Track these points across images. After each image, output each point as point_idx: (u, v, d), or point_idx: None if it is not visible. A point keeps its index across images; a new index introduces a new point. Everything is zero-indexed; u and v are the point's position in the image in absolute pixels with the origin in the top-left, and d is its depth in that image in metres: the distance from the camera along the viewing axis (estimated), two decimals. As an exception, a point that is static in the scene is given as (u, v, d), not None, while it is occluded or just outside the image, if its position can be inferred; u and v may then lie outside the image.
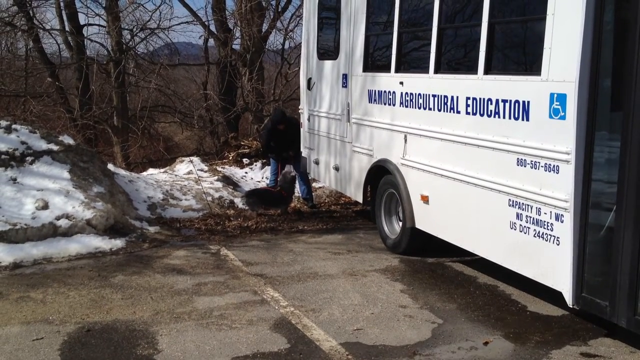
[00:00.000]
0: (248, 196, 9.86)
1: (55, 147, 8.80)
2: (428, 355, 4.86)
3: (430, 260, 7.29)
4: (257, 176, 12.19)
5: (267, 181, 11.41)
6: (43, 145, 8.76)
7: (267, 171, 11.99)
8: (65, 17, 18.80)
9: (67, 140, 9.22)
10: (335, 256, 7.54)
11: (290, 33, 18.25)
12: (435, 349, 4.98)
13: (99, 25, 19.48)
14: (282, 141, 10.17)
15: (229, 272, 6.91)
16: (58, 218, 7.70)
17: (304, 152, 10.06)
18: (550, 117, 5.06)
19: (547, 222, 5.19)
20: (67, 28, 18.92)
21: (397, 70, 7.33)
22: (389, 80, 7.42)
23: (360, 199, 8.40)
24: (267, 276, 6.77)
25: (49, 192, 8.01)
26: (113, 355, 4.87)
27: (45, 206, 7.79)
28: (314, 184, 11.13)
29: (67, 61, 19.62)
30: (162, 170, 12.37)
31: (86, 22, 19.73)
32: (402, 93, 7.17)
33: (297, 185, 10.20)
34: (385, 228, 7.88)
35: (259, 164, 12.63)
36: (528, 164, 5.34)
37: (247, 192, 10.13)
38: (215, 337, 5.18)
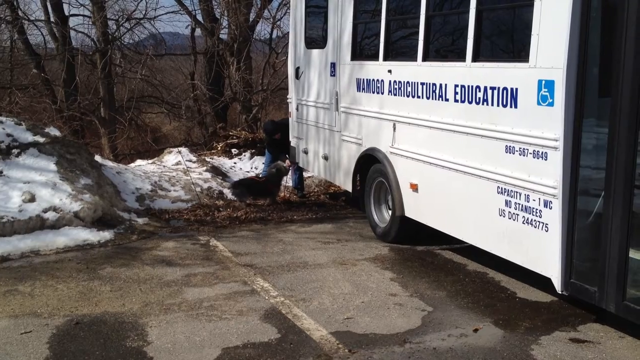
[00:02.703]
0: (234, 187, 9.83)
1: (41, 139, 8.72)
2: (418, 343, 4.87)
3: (420, 249, 7.30)
4: (246, 166, 12.15)
5: (257, 171, 11.38)
6: (29, 137, 8.68)
7: (256, 161, 11.94)
8: (49, 8, 18.61)
9: (54, 132, 9.14)
10: (325, 245, 7.54)
11: (278, 22, 18.20)
12: (425, 336, 4.99)
13: (84, 15, 19.33)
14: (281, 145, 10.30)
15: (218, 262, 6.89)
16: (45, 211, 7.64)
17: (293, 141, 10.03)
18: (539, 103, 5.06)
19: (536, 209, 5.20)
20: (52, 19, 18.72)
21: (385, 59, 7.30)
22: (377, 69, 7.40)
23: (349, 188, 8.39)
24: (257, 266, 6.75)
25: (36, 185, 7.94)
26: (102, 347, 4.85)
27: (32, 199, 7.72)
28: (303, 174, 11.11)
29: (53, 52, 19.43)
30: (150, 161, 12.30)
31: (71, 13, 19.53)
32: (390, 81, 7.14)
33: (288, 175, 10.19)
34: (375, 217, 7.88)
35: (247, 154, 12.58)
36: (516, 151, 5.35)
37: (233, 183, 10.10)
38: (205, 328, 5.16)
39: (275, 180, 9.73)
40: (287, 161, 10.16)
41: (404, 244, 7.42)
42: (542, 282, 5.50)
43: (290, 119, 10.10)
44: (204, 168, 11.08)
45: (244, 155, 12.61)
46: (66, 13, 18.87)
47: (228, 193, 9.94)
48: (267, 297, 5.85)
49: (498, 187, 5.59)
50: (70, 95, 17.61)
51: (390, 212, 7.56)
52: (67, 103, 17.30)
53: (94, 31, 18.80)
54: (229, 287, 6.12)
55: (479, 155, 5.81)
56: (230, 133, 13.77)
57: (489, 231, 5.83)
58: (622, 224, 4.51)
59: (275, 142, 10.43)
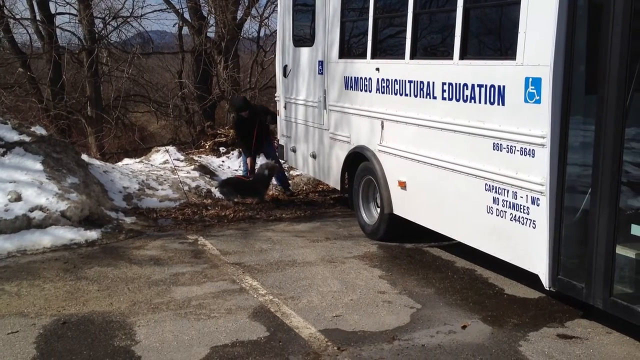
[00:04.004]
0: (222, 186, 9.79)
1: (27, 138, 8.65)
2: (407, 340, 4.87)
3: (409, 246, 7.31)
4: (234, 165, 12.10)
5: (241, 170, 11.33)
6: (15, 136, 8.60)
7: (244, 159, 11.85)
8: (36, 6, 18.47)
9: (40, 131, 9.07)
10: (313, 243, 7.53)
11: (266, 20, 18.16)
12: (414, 333, 5.00)
13: (70, 13, 19.21)
14: (248, 128, 9.79)
15: (206, 261, 6.87)
16: (31, 210, 7.57)
17: (281, 140, 10.01)
18: (526, 101, 5.08)
19: (524, 206, 5.23)
20: (38, 17, 18.58)
21: (373, 57, 7.30)
22: (365, 67, 7.40)
23: (338, 186, 8.39)
24: (246, 265, 6.74)
25: (22, 184, 7.87)
26: (90, 347, 4.82)
27: (18, 198, 7.66)
28: (292, 172, 11.11)
29: (39, 51, 19.29)
30: (137, 160, 12.23)
31: (57, 11, 19.39)
32: (378, 79, 7.15)
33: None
34: (364, 215, 7.89)
35: (235, 152, 12.54)
36: (504, 148, 5.36)
37: (220, 182, 10.06)
38: (194, 327, 5.14)
39: (263, 179, 9.70)
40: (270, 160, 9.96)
41: (392, 242, 7.43)
42: (530, 279, 5.52)
43: (278, 117, 10.08)
44: (192, 167, 11.05)
45: (232, 154, 12.56)
46: (52, 11, 18.76)
47: (216, 192, 9.91)
48: (255, 296, 5.84)
49: (486, 184, 5.61)
50: (56, 94, 17.50)
51: (378, 210, 7.56)
52: (54, 102, 17.19)
53: (80, 30, 18.70)
54: (218, 286, 6.10)
55: (466, 153, 5.83)
56: (218, 131, 13.72)
57: (477, 228, 5.84)
58: (609, 220, 4.54)
59: (243, 121, 9.87)
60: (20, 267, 6.66)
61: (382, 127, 7.12)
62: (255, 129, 9.76)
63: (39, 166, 8.33)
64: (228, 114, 17.17)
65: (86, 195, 8.22)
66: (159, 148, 12.71)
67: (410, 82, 6.57)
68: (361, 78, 7.49)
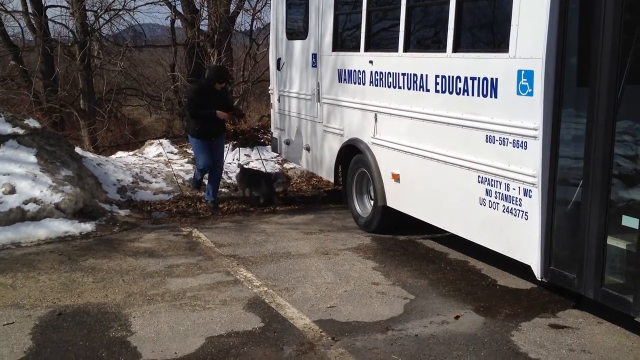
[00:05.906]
0: (242, 172, 9.42)
1: (20, 131, 8.63)
2: (400, 330, 4.92)
3: (402, 238, 7.36)
4: (227, 158, 12.10)
5: (241, 162, 11.29)
6: (8, 129, 8.59)
7: (238, 153, 11.77)
8: (27, -1, 18.40)
9: (33, 123, 9.05)
10: (307, 236, 7.57)
11: (258, 13, 18.15)
12: (408, 324, 5.05)
13: (62, 6, 19.14)
14: (211, 107, 8.50)
15: (201, 253, 6.89)
16: (26, 202, 7.57)
17: (275, 133, 10.02)
18: (518, 93, 5.12)
19: (516, 198, 5.27)
20: (29, 10, 18.49)
21: (366, 50, 7.33)
22: (359, 60, 7.42)
23: (331, 179, 8.42)
24: (240, 257, 6.77)
25: (16, 177, 7.86)
26: (86, 338, 4.84)
27: (12, 191, 7.65)
28: (285, 165, 11.12)
29: (31, 44, 19.21)
30: (131, 153, 12.23)
31: (49, 4, 19.31)
32: (371, 72, 7.17)
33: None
34: (357, 207, 7.92)
35: (229, 145, 12.53)
36: (497, 140, 5.40)
37: (242, 168, 9.64)
38: (189, 318, 5.17)
39: (273, 185, 9.15)
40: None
41: (386, 234, 7.47)
42: (522, 270, 5.58)
43: (272, 111, 10.09)
44: (186, 159, 11.05)
45: (226, 147, 12.55)
46: (44, 4, 18.67)
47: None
48: (250, 287, 5.87)
49: (479, 176, 5.65)
50: (48, 87, 17.44)
51: (372, 202, 7.60)
52: (46, 95, 17.14)
53: (72, 22, 18.64)
54: (212, 278, 6.13)
55: (459, 145, 5.87)
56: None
57: (470, 220, 5.89)
58: (600, 211, 4.58)
59: (210, 95, 8.53)
60: (15, 259, 6.67)
61: (376, 119, 7.15)
62: (225, 116, 8.64)
63: (32, 159, 8.33)
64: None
65: (80, 187, 8.22)
66: (152, 141, 12.71)
67: (403, 74, 6.60)
68: (354, 71, 7.51)
